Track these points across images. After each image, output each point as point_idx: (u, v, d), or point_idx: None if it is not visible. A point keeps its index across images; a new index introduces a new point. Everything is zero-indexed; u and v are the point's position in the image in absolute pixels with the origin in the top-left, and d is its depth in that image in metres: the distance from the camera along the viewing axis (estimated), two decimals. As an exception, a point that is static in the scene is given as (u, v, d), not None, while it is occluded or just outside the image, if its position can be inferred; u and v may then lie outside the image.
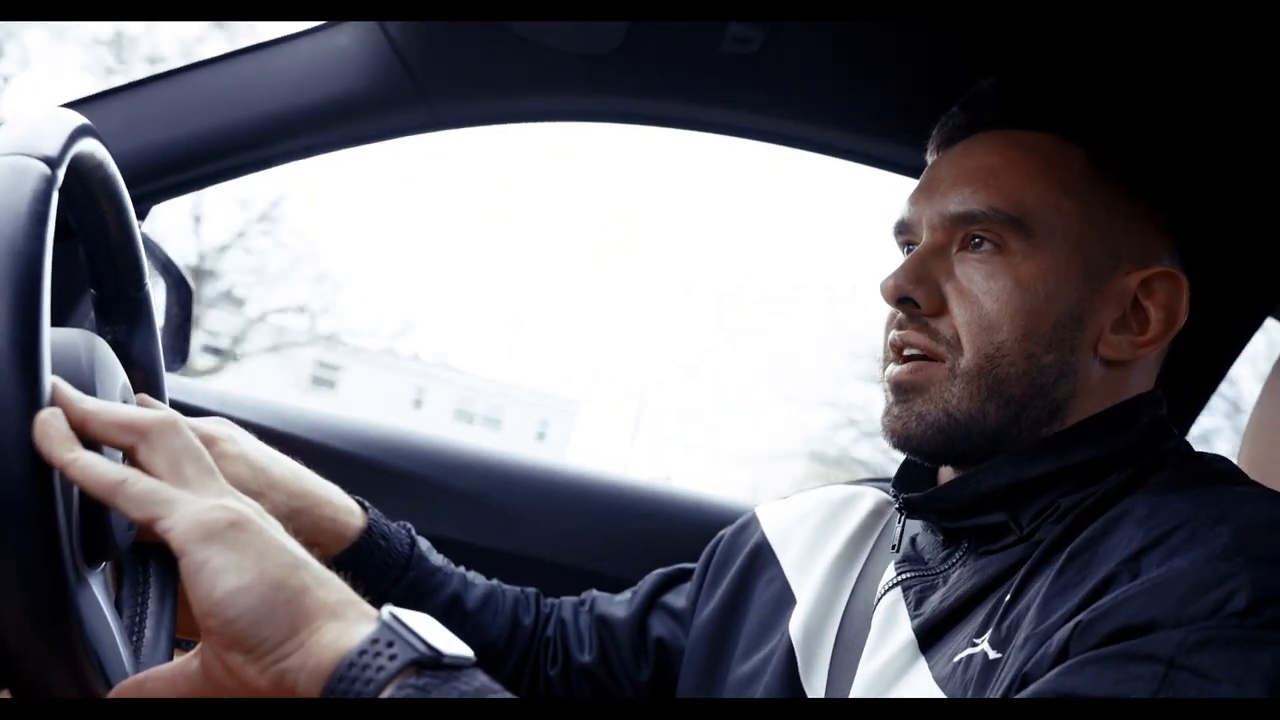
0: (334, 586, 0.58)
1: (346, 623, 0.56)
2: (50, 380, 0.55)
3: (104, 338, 0.77)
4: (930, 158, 0.89)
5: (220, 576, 0.53)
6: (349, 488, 0.96)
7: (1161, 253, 0.80)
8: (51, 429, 0.53)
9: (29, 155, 0.58)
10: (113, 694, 0.57)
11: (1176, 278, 0.79)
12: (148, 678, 0.58)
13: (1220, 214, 0.85)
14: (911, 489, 0.85)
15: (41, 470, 0.53)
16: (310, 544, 0.61)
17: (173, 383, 1.30)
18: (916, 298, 0.80)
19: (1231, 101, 1.01)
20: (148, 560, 0.78)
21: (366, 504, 0.96)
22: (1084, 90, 0.85)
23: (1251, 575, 0.60)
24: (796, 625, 0.86)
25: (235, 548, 0.54)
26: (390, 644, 0.54)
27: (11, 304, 0.52)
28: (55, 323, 0.58)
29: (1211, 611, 0.59)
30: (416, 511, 1.07)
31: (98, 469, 0.54)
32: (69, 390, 0.57)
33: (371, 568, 0.93)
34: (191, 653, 0.57)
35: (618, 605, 1.04)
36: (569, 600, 1.07)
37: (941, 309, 0.80)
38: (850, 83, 1.15)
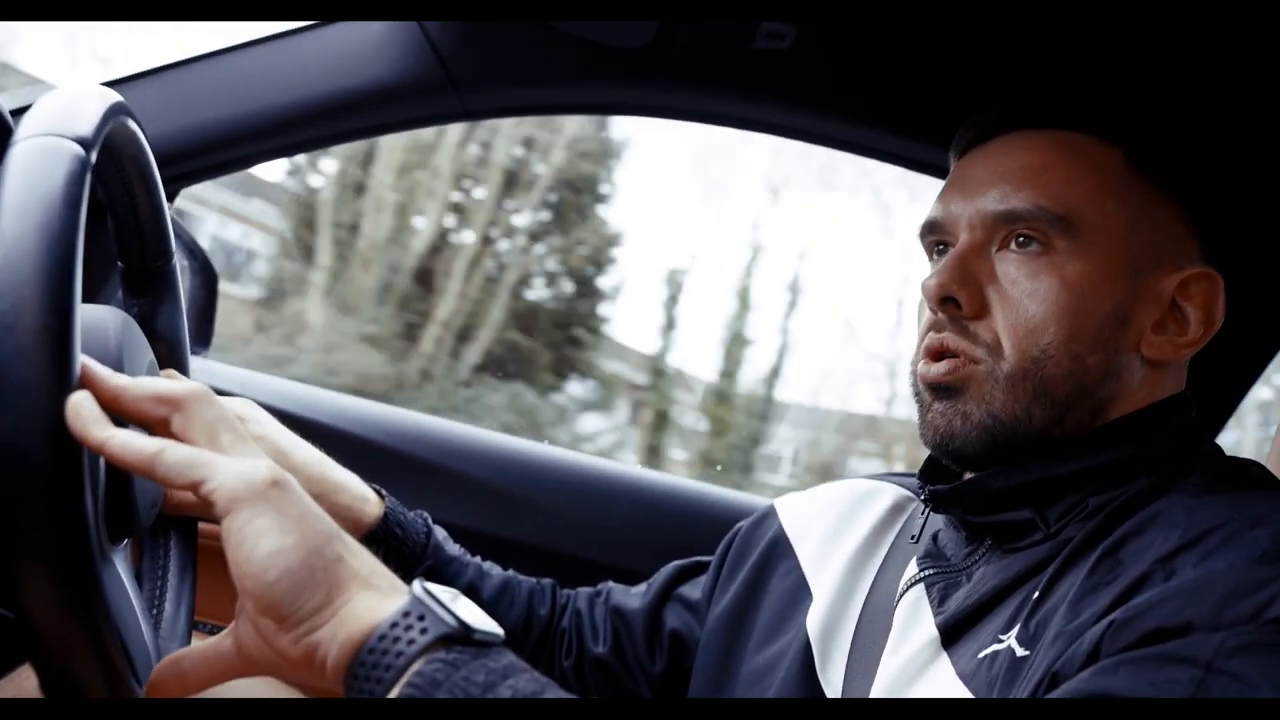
0: (365, 557, 0.58)
1: (379, 594, 0.56)
2: (80, 362, 0.55)
3: (130, 311, 0.78)
4: (955, 156, 0.88)
5: (264, 536, 0.53)
6: (368, 474, 0.96)
7: (1196, 254, 0.79)
8: (84, 410, 0.53)
9: (63, 136, 0.58)
10: (153, 675, 0.57)
11: (1213, 279, 0.78)
12: (184, 655, 0.58)
13: (1255, 217, 0.83)
14: (937, 482, 0.84)
15: (71, 453, 0.53)
16: None
17: (195, 365, 1.31)
18: (960, 299, 0.79)
19: (1267, 105, 1.00)
20: (168, 536, 0.79)
21: (383, 492, 0.96)
22: (1122, 91, 0.83)
23: None
24: (814, 621, 0.86)
25: (279, 508, 0.54)
26: (421, 617, 0.54)
27: (44, 289, 0.52)
28: (85, 299, 0.58)
29: (1250, 616, 0.58)
30: (434, 500, 1.08)
31: (134, 442, 0.54)
32: (99, 369, 0.57)
33: (387, 556, 0.92)
34: (226, 630, 0.57)
35: (633, 597, 1.04)
36: (585, 591, 1.07)
37: (983, 312, 0.78)
38: (883, 80, 1.14)
